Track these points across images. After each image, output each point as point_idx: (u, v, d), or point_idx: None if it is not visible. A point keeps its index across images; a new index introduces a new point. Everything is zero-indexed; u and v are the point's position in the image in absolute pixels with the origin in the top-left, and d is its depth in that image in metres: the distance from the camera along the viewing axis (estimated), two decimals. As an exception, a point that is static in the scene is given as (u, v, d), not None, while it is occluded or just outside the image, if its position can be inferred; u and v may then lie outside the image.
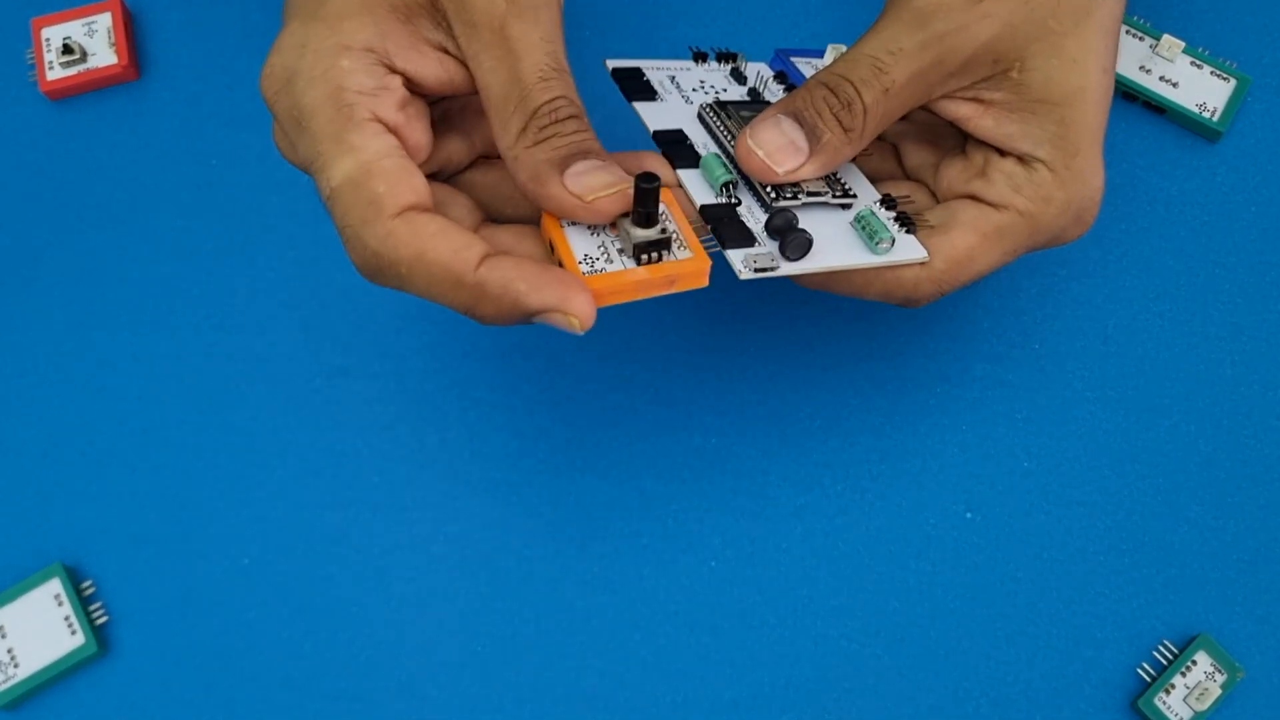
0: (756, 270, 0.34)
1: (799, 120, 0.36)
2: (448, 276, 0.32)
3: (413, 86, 0.34)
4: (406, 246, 0.32)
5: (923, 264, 0.37)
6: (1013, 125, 0.37)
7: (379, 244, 0.32)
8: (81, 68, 0.51)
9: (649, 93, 0.39)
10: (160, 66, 0.52)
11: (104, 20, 0.51)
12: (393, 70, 0.34)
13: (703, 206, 0.35)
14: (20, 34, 0.51)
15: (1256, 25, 0.51)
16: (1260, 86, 0.50)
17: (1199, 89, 0.49)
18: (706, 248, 0.34)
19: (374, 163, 0.32)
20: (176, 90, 0.51)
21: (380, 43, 0.33)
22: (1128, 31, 0.50)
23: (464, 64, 0.34)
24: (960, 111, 0.38)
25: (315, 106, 0.32)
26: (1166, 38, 0.49)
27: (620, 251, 0.34)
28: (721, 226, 0.35)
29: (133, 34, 0.52)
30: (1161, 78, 0.49)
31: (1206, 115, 0.49)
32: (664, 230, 0.34)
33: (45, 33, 0.51)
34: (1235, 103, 0.49)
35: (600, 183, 0.33)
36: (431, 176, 0.36)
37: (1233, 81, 0.49)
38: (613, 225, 0.34)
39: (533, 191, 0.33)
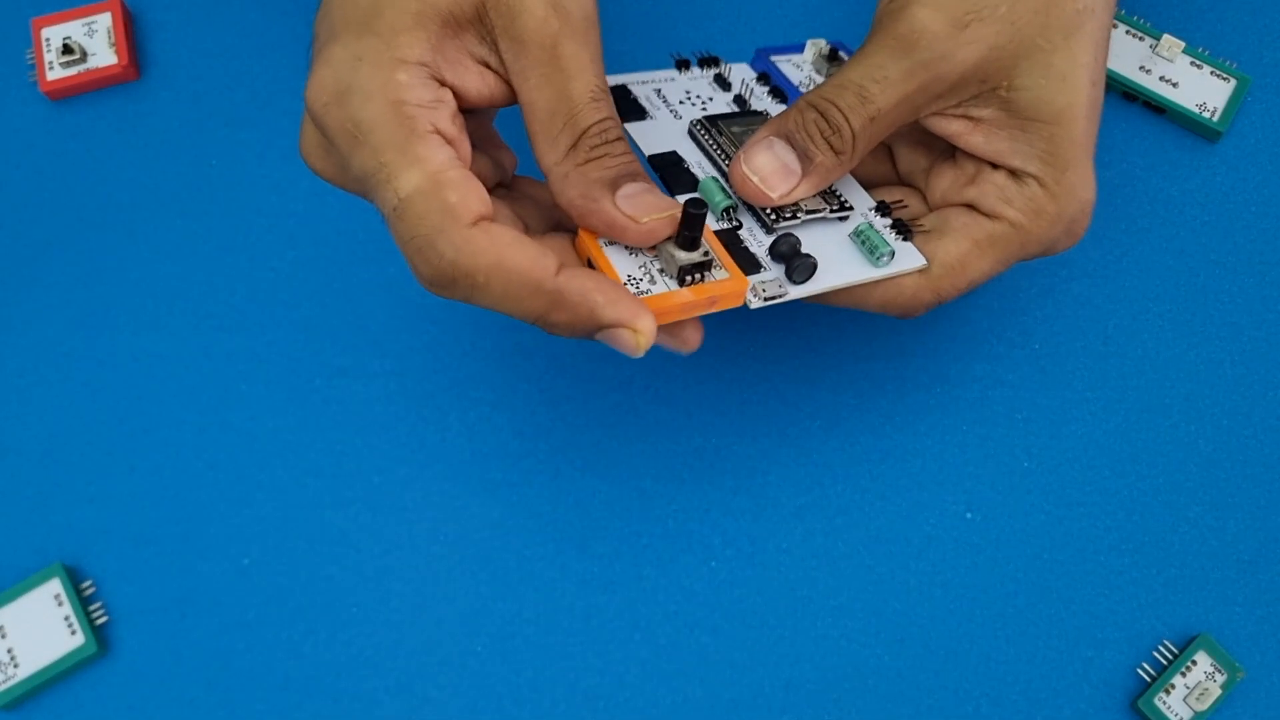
0: (765, 299, 0.34)
1: (790, 143, 0.36)
2: (526, 283, 0.32)
3: (459, 101, 0.34)
4: (485, 254, 0.31)
5: (922, 271, 0.37)
6: (1002, 142, 0.37)
7: (456, 253, 0.31)
8: (81, 68, 0.51)
9: (639, 112, 0.40)
10: (160, 66, 0.52)
11: (104, 20, 0.51)
12: (444, 84, 0.34)
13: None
14: (20, 34, 0.52)
15: (1256, 25, 0.51)
16: (1260, 86, 0.50)
17: (1199, 89, 0.49)
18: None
19: (442, 173, 0.32)
20: (176, 90, 0.51)
21: (433, 57, 0.33)
22: (1127, 32, 0.50)
23: (505, 79, 0.35)
24: (950, 128, 0.38)
25: (376, 120, 0.32)
26: (1166, 38, 0.49)
27: (661, 272, 0.34)
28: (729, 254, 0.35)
29: (133, 34, 0.52)
30: (1161, 78, 0.49)
31: (1206, 115, 0.49)
32: (705, 253, 0.34)
33: (45, 33, 0.51)
34: (1235, 103, 0.49)
35: (653, 205, 0.34)
36: None
37: (1233, 81, 0.49)
38: (651, 247, 0.35)
39: (582, 208, 0.34)
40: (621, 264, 0.34)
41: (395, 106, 0.32)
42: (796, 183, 0.36)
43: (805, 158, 0.36)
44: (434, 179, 0.32)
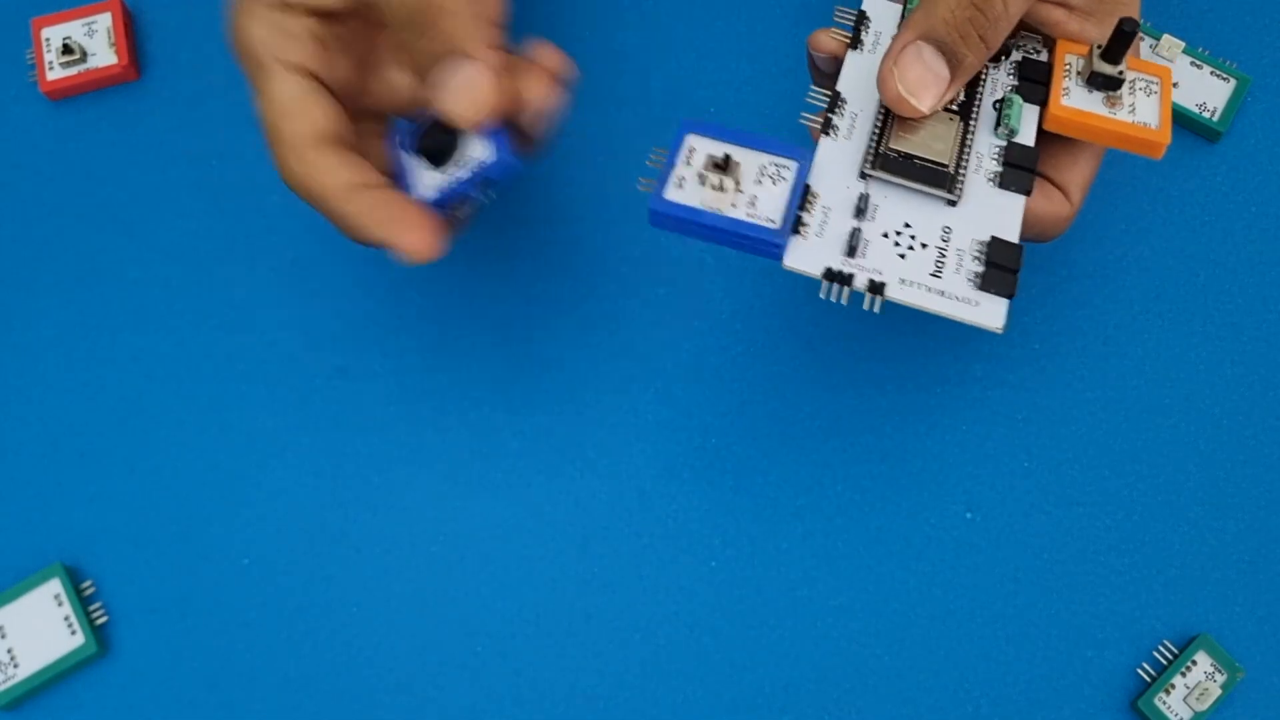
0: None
1: (941, 47, 0.35)
2: (322, 203, 0.37)
3: (327, 17, 0.38)
4: (295, 179, 0.37)
5: (1064, 194, 0.39)
6: (1093, 28, 0.39)
7: (284, 173, 0.37)
8: (81, 68, 0.51)
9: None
10: (160, 66, 0.52)
11: (104, 20, 0.51)
12: (294, 12, 0.38)
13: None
14: (20, 34, 0.51)
15: (1256, 25, 0.51)
16: (1260, 86, 0.50)
17: (1199, 89, 0.49)
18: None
19: (279, 104, 0.37)
20: (176, 90, 0.51)
21: None
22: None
23: None
24: (1052, 16, 0.39)
25: (241, 60, 0.38)
26: (1166, 38, 0.49)
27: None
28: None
29: (133, 34, 0.52)
30: (1162, 78, 0.49)
31: (1206, 115, 0.49)
32: (1120, 71, 0.37)
33: (45, 33, 0.51)
34: (1235, 103, 0.49)
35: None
36: (372, 115, 0.40)
37: (1233, 81, 0.49)
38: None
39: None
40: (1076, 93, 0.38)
41: (248, 49, 0.38)
42: (944, 90, 0.36)
43: (955, 61, 0.36)
44: (273, 108, 0.37)
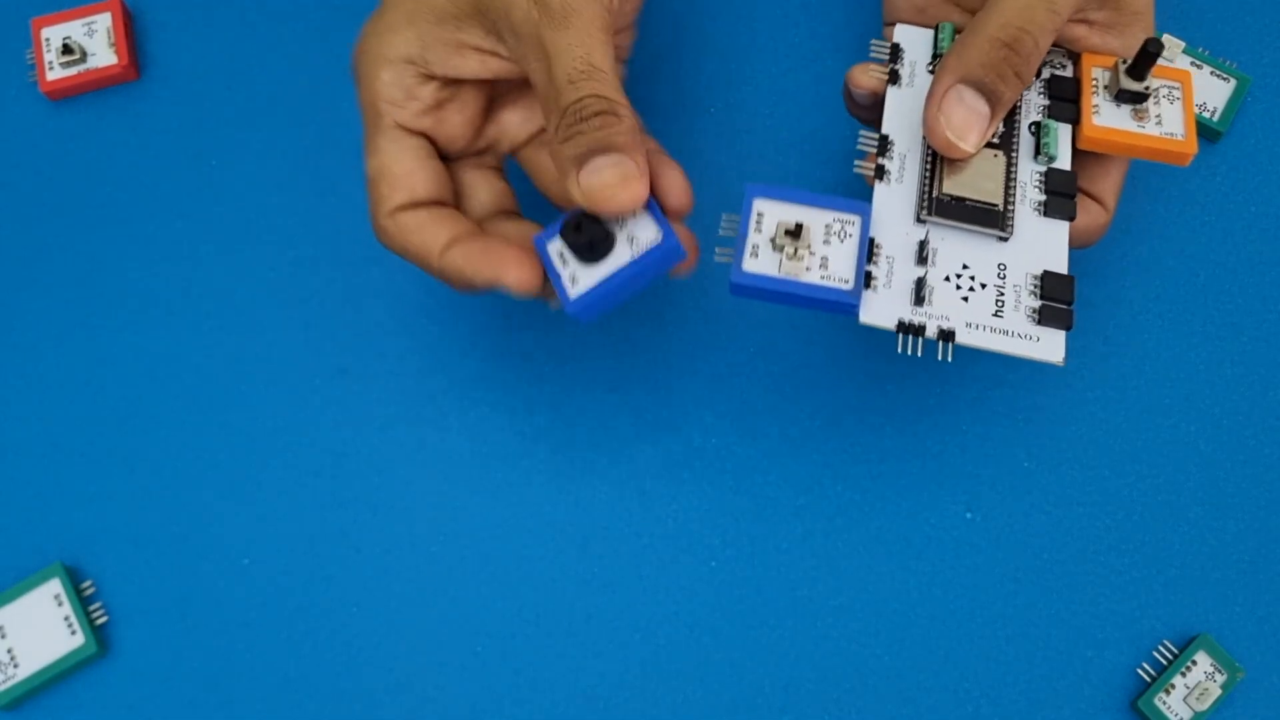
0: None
1: (979, 89, 0.37)
2: (422, 265, 0.38)
3: (457, 83, 0.40)
4: (392, 241, 0.39)
5: (1100, 205, 0.41)
6: (1114, 39, 0.40)
7: (378, 232, 0.39)
8: (81, 68, 0.51)
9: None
10: (160, 66, 0.52)
11: (104, 20, 0.51)
12: (430, 77, 0.39)
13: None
14: (20, 34, 0.51)
15: (1256, 25, 0.51)
16: (1260, 86, 0.50)
17: (1199, 89, 0.49)
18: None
19: (385, 167, 0.38)
20: (176, 90, 0.51)
21: (421, 54, 0.38)
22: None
23: (515, 64, 0.39)
24: (1075, 33, 0.40)
25: (362, 109, 0.39)
26: (1166, 37, 0.48)
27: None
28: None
29: (132, 34, 0.52)
30: (1162, 78, 0.49)
31: (1206, 115, 0.49)
32: (1146, 87, 0.38)
33: (45, 33, 0.51)
34: (1235, 103, 0.49)
35: (605, 179, 0.36)
36: (489, 152, 0.42)
37: (1233, 81, 0.49)
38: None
39: (562, 186, 0.37)
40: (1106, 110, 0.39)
41: (371, 103, 0.39)
42: (987, 127, 0.37)
43: (994, 99, 0.37)
44: (378, 169, 0.39)
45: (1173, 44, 0.48)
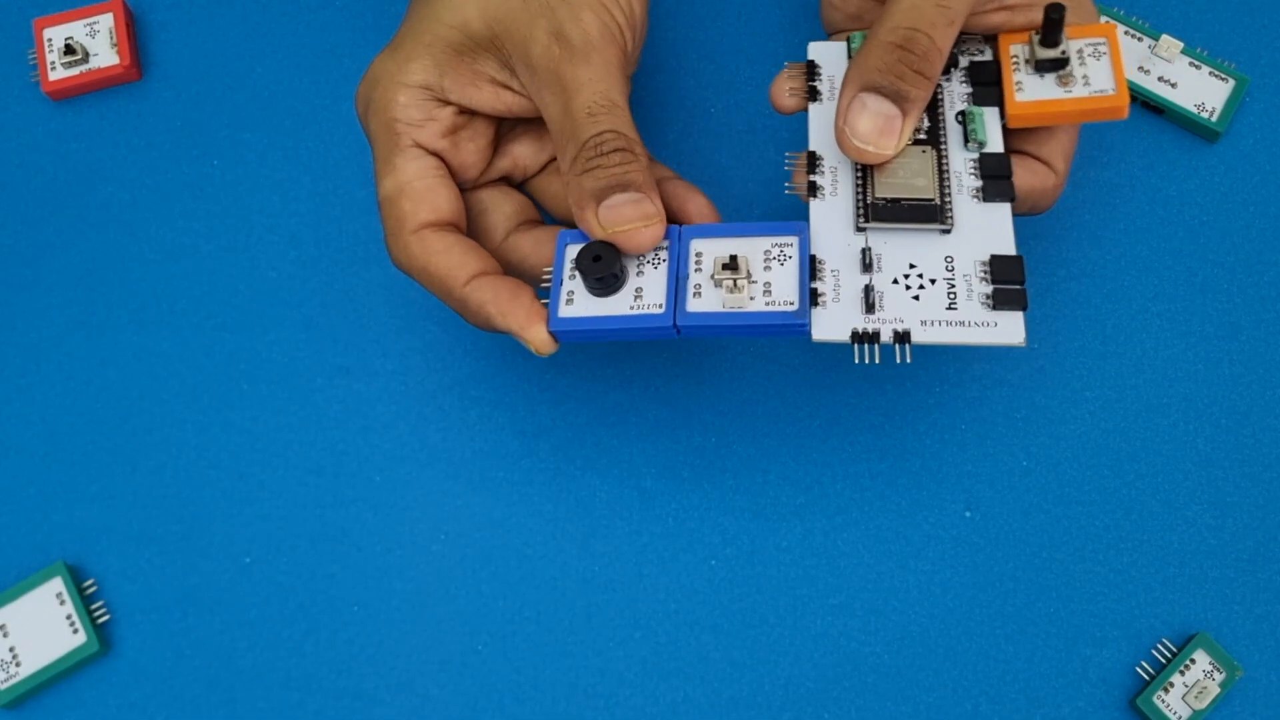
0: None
1: (881, 92, 0.36)
2: (440, 288, 0.38)
3: (470, 113, 0.40)
4: (415, 259, 0.38)
5: (1050, 168, 0.40)
6: (1037, 15, 0.39)
7: (397, 253, 0.39)
8: (83, 68, 0.51)
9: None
10: (162, 67, 0.52)
11: (106, 21, 0.51)
12: (446, 103, 0.39)
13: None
14: (22, 34, 0.52)
15: (1256, 25, 0.51)
16: (1259, 86, 0.50)
17: (1198, 89, 0.49)
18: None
19: (407, 184, 0.38)
20: (178, 91, 0.52)
21: (438, 81, 0.39)
22: (1126, 32, 0.50)
23: (527, 98, 0.39)
24: (994, 20, 0.40)
25: (376, 132, 0.39)
26: (1165, 38, 0.49)
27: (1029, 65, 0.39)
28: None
29: (134, 34, 0.52)
30: (1160, 78, 0.49)
31: (1205, 115, 0.49)
32: (1063, 52, 0.38)
33: (47, 33, 0.51)
34: (1234, 103, 0.49)
35: (626, 217, 0.36)
36: (503, 180, 0.42)
37: (1231, 82, 0.49)
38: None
39: (576, 217, 0.37)
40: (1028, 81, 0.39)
41: (389, 124, 0.39)
42: (900, 127, 0.37)
43: (901, 99, 0.36)
44: (399, 188, 0.38)
45: (1171, 44, 0.49)
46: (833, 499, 0.45)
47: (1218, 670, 0.42)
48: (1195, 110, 0.49)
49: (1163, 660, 0.43)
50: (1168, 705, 0.42)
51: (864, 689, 0.43)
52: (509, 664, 0.43)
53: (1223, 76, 0.49)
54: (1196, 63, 0.49)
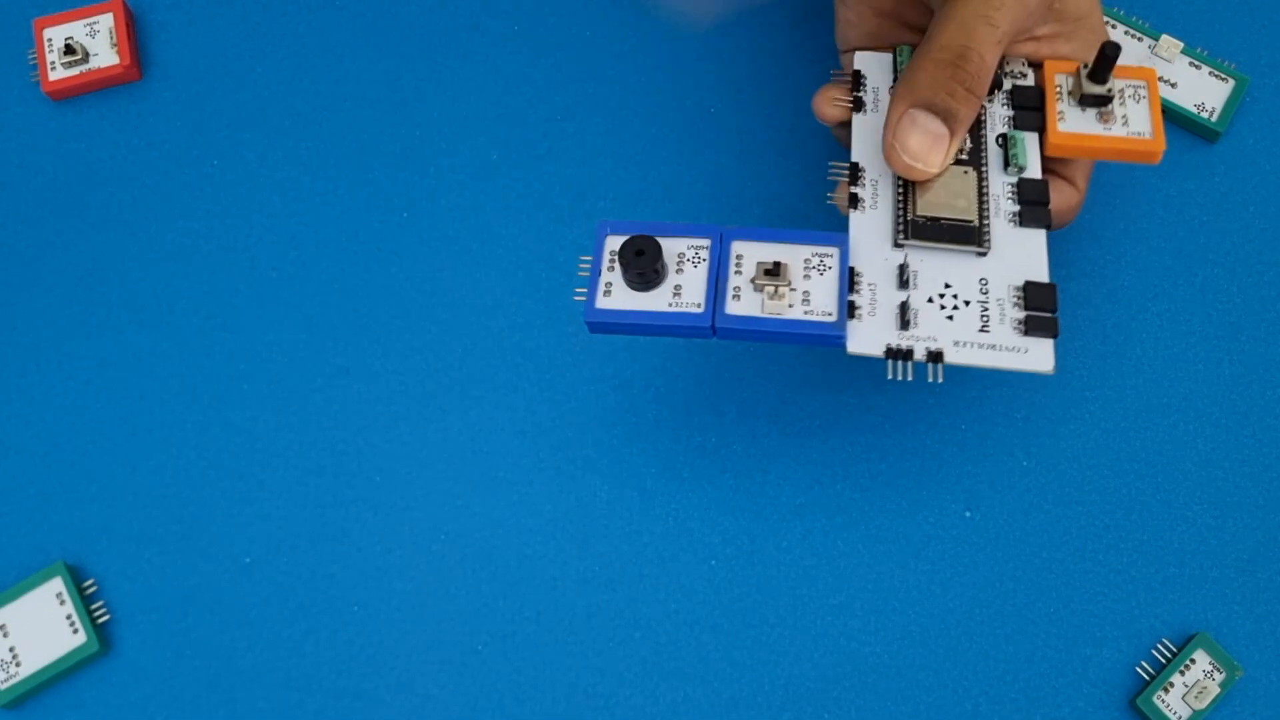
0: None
1: (932, 110, 0.37)
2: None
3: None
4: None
5: (1074, 188, 0.41)
6: (1063, 45, 0.40)
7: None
8: (83, 68, 0.51)
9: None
10: (162, 67, 0.52)
11: (106, 21, 0.51)
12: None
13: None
14: (22, 34, 0.52)
15: (1256, 25, 0.51)
16: (1259, 87, 0.50)
17: (1198, 89, 0.49)
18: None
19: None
20: (178, 91, 0.52)
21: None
22: (1126, 32, 0.50)
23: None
24: (1024, 50, 0.41)
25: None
26: (1165, 38, 0.49)
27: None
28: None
29: (135, 34, 0.52)
30: (1160, 78, 0.49)
31: (1205, 116, 0.49)
32: (1109, 89, 0.38)
33: (47, 33, 0.51)
34: (1234, 103, 0.49)
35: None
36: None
37: (1231, 82, 0.49)
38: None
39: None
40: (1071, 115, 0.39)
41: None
42: (948, 145, 0.37)
43: (950, 118, 0.37)
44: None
45: (1171, 44, 0.49)
46: (833, 499, 0.45)
47: (1218, 670, 0.42)
48: (1195, 110, 0.49)
49: (1163, 660, 0.43)
50: (1168, 705, 0.42)
51: (864, 689, 0.43)
52: (509, 664, 0.43)
53: (1223, 77, 0.49)
54: (1196, 63, 0.49)
